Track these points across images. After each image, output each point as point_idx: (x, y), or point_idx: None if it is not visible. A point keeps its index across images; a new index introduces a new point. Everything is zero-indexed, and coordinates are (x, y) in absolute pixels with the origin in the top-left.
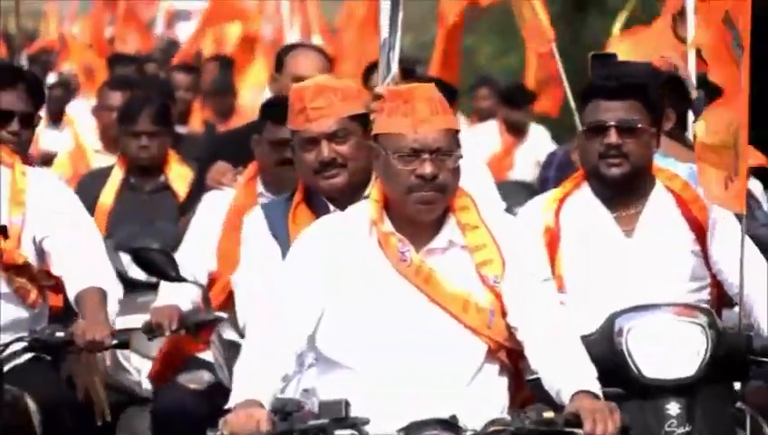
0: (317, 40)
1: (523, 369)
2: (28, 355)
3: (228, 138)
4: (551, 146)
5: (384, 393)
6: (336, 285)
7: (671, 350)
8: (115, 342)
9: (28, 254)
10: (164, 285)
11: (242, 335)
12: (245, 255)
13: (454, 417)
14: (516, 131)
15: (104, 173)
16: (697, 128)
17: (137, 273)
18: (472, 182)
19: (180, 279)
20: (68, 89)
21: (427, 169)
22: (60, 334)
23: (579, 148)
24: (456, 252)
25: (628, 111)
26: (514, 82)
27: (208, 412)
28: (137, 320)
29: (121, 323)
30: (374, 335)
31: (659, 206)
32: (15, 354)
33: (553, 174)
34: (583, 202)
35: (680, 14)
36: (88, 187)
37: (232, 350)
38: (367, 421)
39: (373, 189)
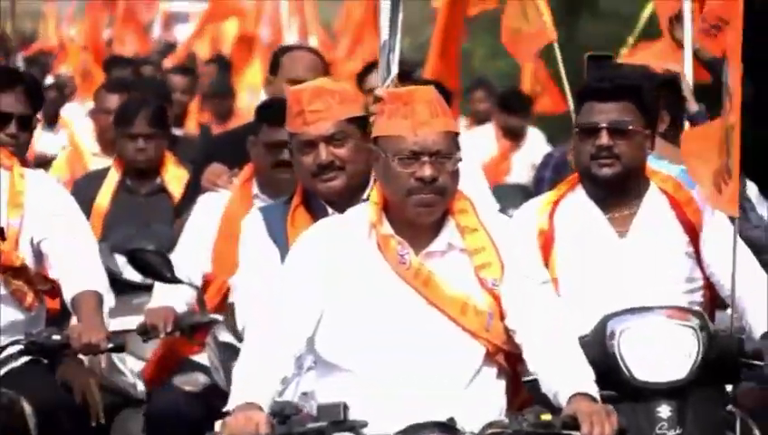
0: (314, 42)
1: (521, 372)
2: (24, 358)
3: (223, 140)
4: (546, 149)
5: (382, 396)
6: (335, 287)
7: (663, 352)
8: (111, 345)
9: (26, 256)
10: (158, 286)
11: (238, 338)
12: (244, 258)
13: (452, 419)
14: (514, 136)
15: (100, 175)
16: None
17: (132, 274)
18: (466, 185)
19: (176, 281)
20: (62, 92)
21: (427, 171)
22: (56, 337)
23: (573, 149)
24: (455, 255)
25: (620, 113)
26: (511, 86)
27: (202, 414)
28: (131, 321)
29: (116, 324)
30: (373, 338)
31: (653, 207)
32: (12, 357)
33: (549, 175)
34: (577, 204)
35: (677, 18)
36: (84, 189)
37: (227, 352)
38: (365, 424)
39: (372, 192)
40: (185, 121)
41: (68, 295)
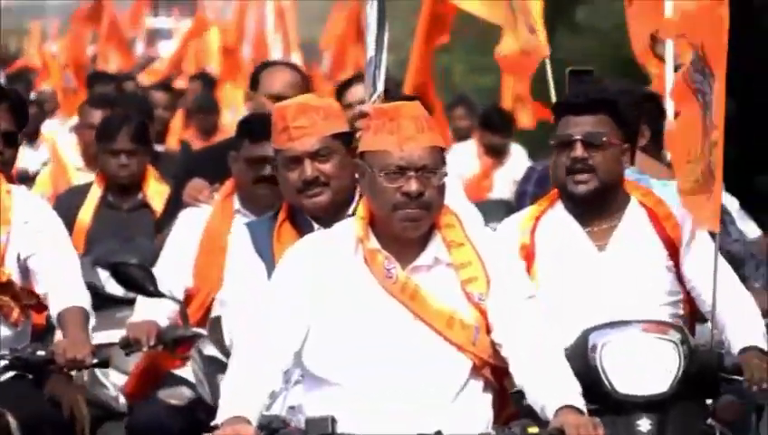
0: (297, 58)
1: (508, 386)
2: (10, 373)
3: (204, 155)
4: (528, 165)
5: (370, 409)
6: (322, 302)
7: (644, 366)
8: (96, 360)
9: (12, 272)
10: (141, 300)
11: (223, 352)
12: (231, 272)
13: (439, 433)
14: (496, 154)
15: (82, 190)
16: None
17: (114, 288)
18: (451, 199)
19: (159, 295)
20: (43, 108)
21: (413, 186)
22: (41, 353)
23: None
24: (442, 269)
25: (595, 126)
26: (492, 104)
27: (185, 428)
28: (114, 335)
29: (98, 338)
30: (360, 352)
31: (633, 221)
32: None
33: (532, 189)
34: (557, 219)
35: (658, 34)
36: (66, 204)
37: (212, 366)
38: None
39: (359, 207)
40: (166, 138)
41: (54, 311)
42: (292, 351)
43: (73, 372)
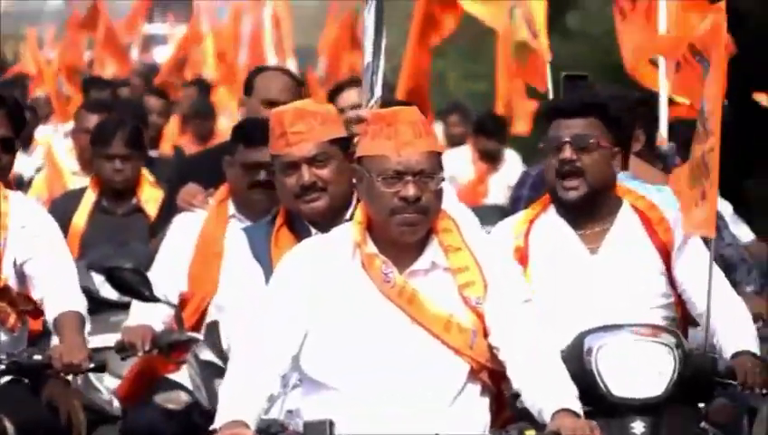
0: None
1: (506, 390)
2: (6, 378)
3: (197, 160)
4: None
5: (368, 413)
6: (320, 306)
7: (640, 369)
8: (92, 365)
9: (8, 277)
10: (136, 304)
11: (220, 356)
12: (228, 278)
13: None
14: (491, 159)
15: (77, 195)
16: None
17: (108, 292)
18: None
19: (154, 299)
20: (36, 114)
21: (411, 191)
22: (37, 357)
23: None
24: (439, 273)
25: (584, 128)
26: (486, 110)
27: (179, 432)
28: (109, 339)
29: (93, 342)
30: (358, 356)
31: (625, 225)
32: None
33: (527, 193)
34: (550, 222)
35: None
36: (61, 208)
37: (209, 370)
38: None
39: (357, 211)
40: (160, 143)
41: (50, 316)
42: (289, 355)
43: (69, 377)
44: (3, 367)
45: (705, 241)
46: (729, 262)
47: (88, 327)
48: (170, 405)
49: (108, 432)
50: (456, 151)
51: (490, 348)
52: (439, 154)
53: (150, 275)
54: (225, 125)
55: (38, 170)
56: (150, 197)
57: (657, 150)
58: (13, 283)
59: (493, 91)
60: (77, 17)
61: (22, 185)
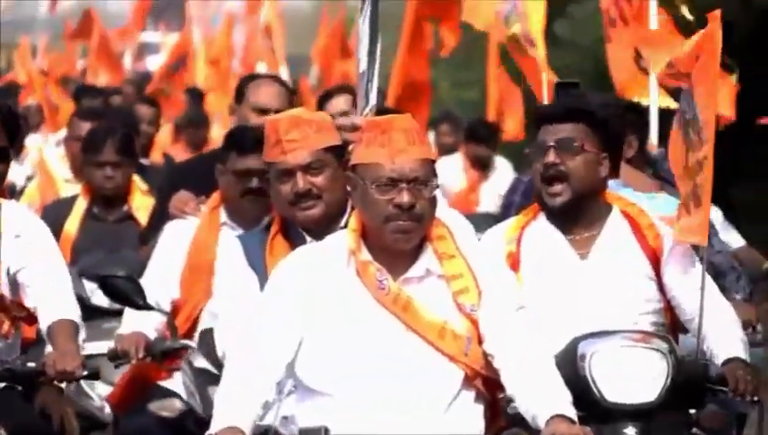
0: (283, 71)
1: (500, 397)
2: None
3: (187, 167)
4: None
5: (363, 420)
6: (314, 313)
7: (633, 375)
8: (86, 372)
9: (2, 285)
10: (128, 312)
11: (215, 363)
12: (223, 285)
13: None
14: (482, 166)
15: (68, 202)
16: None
17: (100, 299)
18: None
19: (147, 307)
20: (26, 122)
21: (405, 198)
22: (31, 365)
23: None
24: (433, 281)
25: (569, 133)
26: (477, 117)
27: None
28: (100, 346)
29: (85, 349)
30: (352, 363)
31: (615, 230)
32: None
33: (518, 200)
34: (541, 228)
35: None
36: (52, 215)
37: (202, 377)
38: None
39: (351, 219)
40: (151, 152)
41: (44, 324)
42: (284, 362)
43: (63, 384)
44: None
45: (696, 248)
46: (719, 269)
47: (83, 335)
48: (164, 413)
49: None
50: (447, 160)
51: (484, 355)
52: (433, 162)
53: (142, 282)
54: (217, 133)
55: (29, 179)
56: (142, 204)
57: (647, 156)
58: (6, 291)
59: (484, 99)
60: (70, 27)
61: (14, 193)
